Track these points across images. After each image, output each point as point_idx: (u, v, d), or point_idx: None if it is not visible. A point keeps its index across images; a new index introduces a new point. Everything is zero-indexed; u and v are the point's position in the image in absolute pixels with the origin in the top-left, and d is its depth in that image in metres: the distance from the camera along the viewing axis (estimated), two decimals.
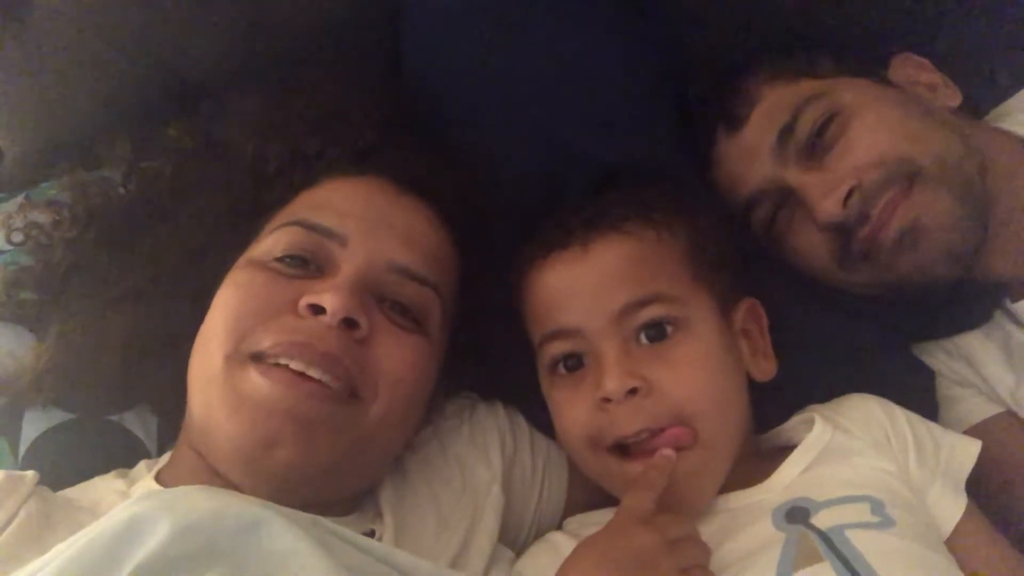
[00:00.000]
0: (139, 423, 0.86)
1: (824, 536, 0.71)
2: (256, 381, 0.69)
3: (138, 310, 0.82)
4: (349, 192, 0.82)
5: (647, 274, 0.80)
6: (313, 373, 0.69)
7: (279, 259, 0.76)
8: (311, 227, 0.77)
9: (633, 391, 0.76)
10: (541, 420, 0.91)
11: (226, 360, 0.70)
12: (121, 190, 0.90)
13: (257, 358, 0.70)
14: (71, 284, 0.85)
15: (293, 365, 0.70)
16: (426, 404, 0.83)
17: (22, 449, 0.82)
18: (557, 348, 0.82)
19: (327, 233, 0.77)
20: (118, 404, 0.86)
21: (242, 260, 0.79)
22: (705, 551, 0.73)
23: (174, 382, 0.78)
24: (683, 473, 0.76)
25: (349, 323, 0.71)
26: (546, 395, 0.86)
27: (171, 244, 0.84)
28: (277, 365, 0.69)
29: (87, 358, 0.81)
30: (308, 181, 0.84)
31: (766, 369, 0.86)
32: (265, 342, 0.70)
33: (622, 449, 0.79)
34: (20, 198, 0.94)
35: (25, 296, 0.86)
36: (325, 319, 0.71)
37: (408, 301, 0.78)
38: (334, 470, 0.72)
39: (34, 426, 0.82)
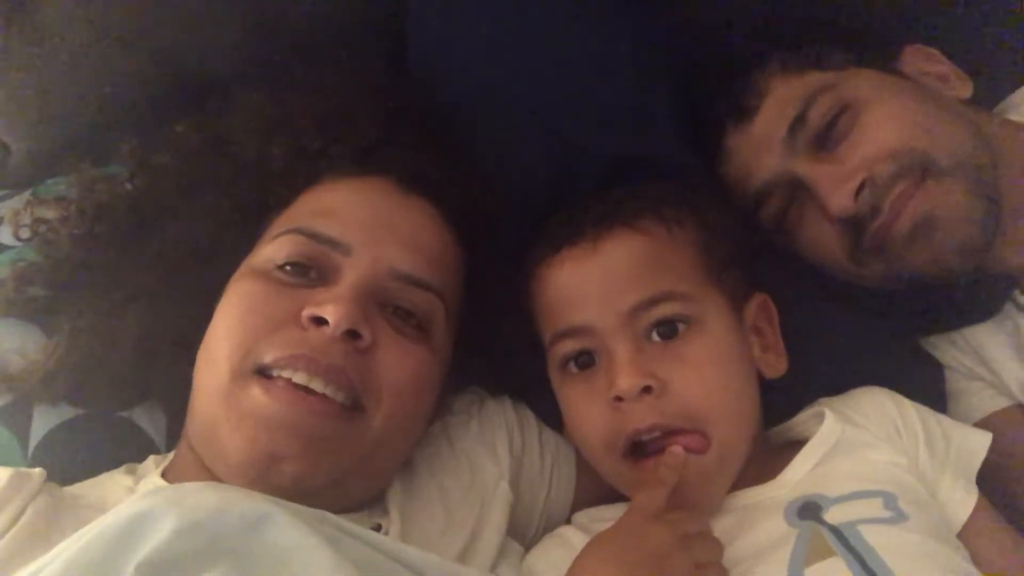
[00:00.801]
0: (149, 419, 0.86)
1: (836, 531, 0.71)
2: (258, 398, 0.69)
3: (148, 308, 0.82)
4: (351, 195, 0.81)
5: (658, 271, 0.80)
6: (316, 386, 0.69)
7: (280, 267, 0.76)
8: (313, 235, 0.76)
9: (646, 390, 0.76)
10: (548, 414, 0.91)
11: (232, 375, 0.70)
12: (128, 186, 0.89)
13: (261, 371, 0.70)
14: (80, 281, 0.85)
15: (296, 378, 0.69)
16: (432, 408, 0.83)
17: (32, 445, 0.82)
18: (568, 346, 0.82)
19: (329, 242, 0.76)
20: (128, 400, 0.86)
21: (244, 267, 0.78)
22: (718, 547, 0.73)
23: (184, 379, 0.78)
24: (695, 475, 0.75)
25: (352, 334, 0.71)
26: (557, 393, 0.86)
27: (179, 242, 0.84)
28: (280, 378, 0.69)
29: (97, 355, 0.81)
30: (311, 180, 0.83)
31: (777, 366, 0.86)
32: (268, 356, 0.70)
33: (636, 448, 0.78)
34: (27, 194, 0.94)
35: (34, 292, 0.86)
36: (328, 331, 0.70)
37: (412, 307, 0.77)
38: (339, 482, 0.72)
39: (44, 422, 0.83)
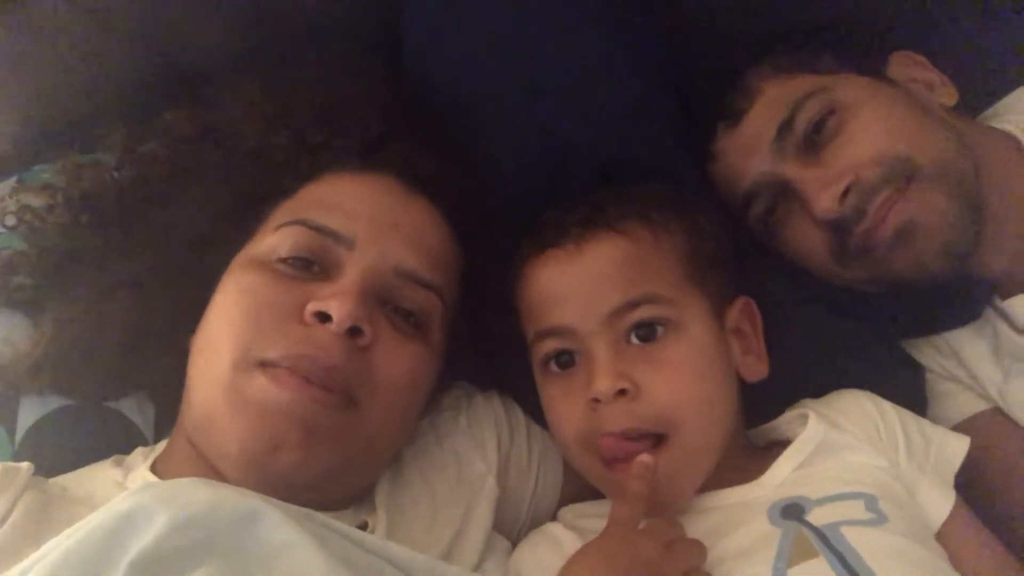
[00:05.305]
0: (136, 410, 0.86)
1: (819, 532, 0.72)
2: (264, 385, 0.69)
3: (136, 297, 0.81)
4: (355, 190, 0.81)
5: (640, 274, 0.80)
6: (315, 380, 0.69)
7: (283, 259, 0.75)
8: (317, 228, 0.76)
9: (621, 392, 0.77)
10: (537, 410, 0.91)
11: (233, 365, 0.70)
12: (115, 174, 0.88)
13: (264, 364, 0.70)
14: (67, 270, 0.84)
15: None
16: (424, 404, 0.83)
17: (19, 435, 0.81)
18: (550, 345, 0.82)
19: (334, 235, 0.76)
20: (115, 391, 0.85)
21: (244, 258, 0.78)
22: (702, 550, 0.74)
23: (172, 370, 0.78)
24: (661, 475, 0.76)
25: (353, 331, 0.71)
26: (539, 390, 0.86)
27: (168, 231, 0.83)
28: (283, 368, 0.69)
29: (84, 345, 0.81)
30: (312, 174, 0.83)
31: (757, 370, 0.86)
32: (271, 352, 0.70)
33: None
34: (12, 180, 0.93)
35: (20, 281, 0.85)
36: (331, 327, 0.70)
37: (412, 305, 0.78)
38: (333, 475, 0.72)
39: (31, 412, 0.82)
